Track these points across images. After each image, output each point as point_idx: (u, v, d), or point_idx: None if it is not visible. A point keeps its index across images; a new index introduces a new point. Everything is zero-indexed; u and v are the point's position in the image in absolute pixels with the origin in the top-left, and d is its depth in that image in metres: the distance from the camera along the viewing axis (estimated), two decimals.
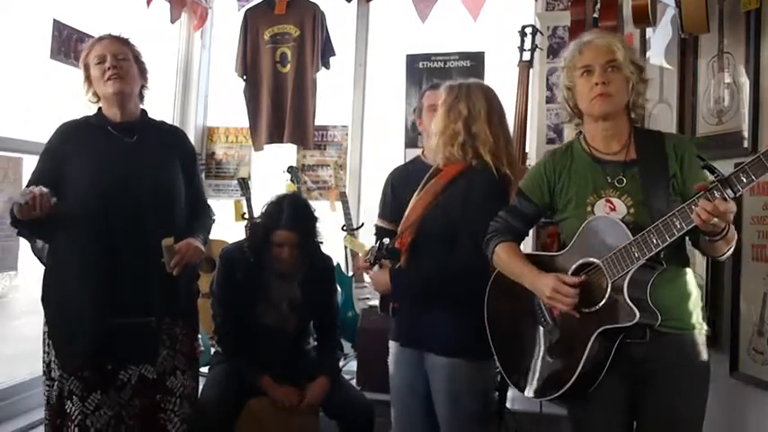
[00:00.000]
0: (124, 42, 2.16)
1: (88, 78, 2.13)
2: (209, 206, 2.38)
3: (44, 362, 2.08)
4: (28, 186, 2.00)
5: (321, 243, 2.67)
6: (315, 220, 2.61)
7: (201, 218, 2.29)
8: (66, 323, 2.02)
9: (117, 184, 2.05)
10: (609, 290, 1.64)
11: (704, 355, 1.74)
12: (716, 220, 1.46)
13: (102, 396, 2.02)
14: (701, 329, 1.74)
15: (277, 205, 2.56)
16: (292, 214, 2.52)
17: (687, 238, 1.76)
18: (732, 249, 1.66)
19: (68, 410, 2.01)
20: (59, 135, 2.12)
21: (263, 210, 2.62)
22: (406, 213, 2.15)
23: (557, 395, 1.71)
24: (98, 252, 2.01)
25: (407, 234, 2.09)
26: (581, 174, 1.79)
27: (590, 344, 1.65)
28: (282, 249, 2.51)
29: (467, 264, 2.01)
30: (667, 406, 1.69)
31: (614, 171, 1.74)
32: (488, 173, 2.07)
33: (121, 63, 2.10)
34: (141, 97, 2.21)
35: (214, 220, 2.38)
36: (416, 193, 2.18)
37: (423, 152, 2.52)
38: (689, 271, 1.77)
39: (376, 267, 2.17)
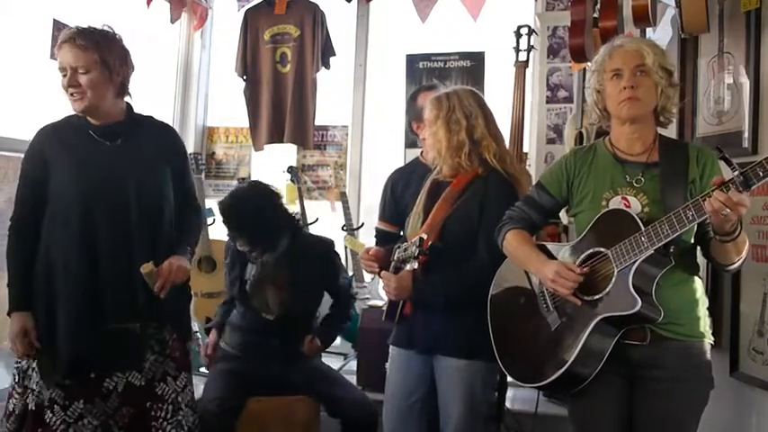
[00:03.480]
0: (84, 48, 1.91)
1: None
2: (199, 207, 2.32)
3: (21, 369, 2.00)
4: (19, 198, 2.02)
5: (270, 222, 2.60)
6: (253, 214, 2.54)
7: (189, 222, 2.20)
8: (50, 331, 1.95)
9: (99, 189, 1.97)
10: (614, 279, 1.66)
11: (709, 368, 1.74)
12: (728, 210, 1.47)
13: (86, 405, 1.94)
14: (703, 338, 1.74)
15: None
16: (230, 225, 2.57)
17: (699, 247, 1.77)
18: (742, 261, 1.67)
19: (48, 420, 1.93)
20: (38, 139, 2.03)
21: None
22: (427, 222, 2.12)
23: (552, 379, 1.72)
24: (81, 258, 1.95)
25: (432, 237, 2.08)
26: (601, 170, 1.82)
27: (588, 330, 1.67)
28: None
29: (485, 268, 2.03)
30: (663, 418, 1.70)
31: (634, 171, 1.77)
32: (498, 176, 2.12)
33: (81, 78, 1.92)
34: (123, 90, 2.04)
35: (214, 222, 2.35)
36: (419, 200, 2.19)
37: (422, 153, 2.52)
38: (698, 280, 1.78)
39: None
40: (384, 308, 2.28)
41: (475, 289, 2.03)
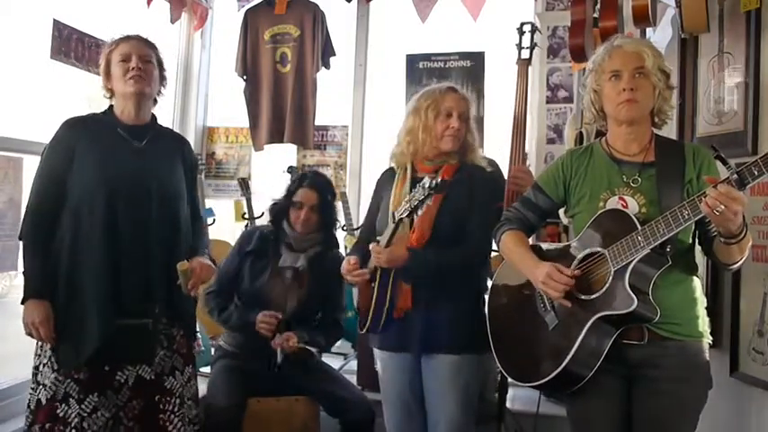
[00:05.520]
0: (151, 46, 2.17)
1: (108, 74, 2.12)
2: (201, 216, 2.39)
3: (34, 366, 2.06)
4: (39, 187, 2.05)
5: (336, 227, 2.78)
6: (334, 193, 2.76)
7: (200, 231, 2.31)
8: (73, 323, 2.00)
9: (124, 187, 2.04)
10: (610, 278, 1.67)
11: (707, 368, 1.74)
12: (722, 207, 1.47)
13: (100, 398, 2.01)
14: (701, 338, 1.75)
15: (301, 174, 2.78)
16: (315, 178, 2.71)
17: (698, 244, 1.78)
18: (744, 260, 1.67)
19: (61, 414, 1.98)
20: (67, 129, 2.09)
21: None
22: (419, 217, 2.14)
23: (550, 378, 1.72)
24: (102, 254, 2.01)
25: (425, 234, 2.11)
26: (597, 171, 1.83)
27: (585, 330, 1.67)
28: (301, 211, 2.61)
29: (478, 255, 2.11)
30: (662, 417, 1.70)
31: (630, 171, 1.78)
32: (480, 167, 2.23)
33: (146, 65, 2.10)
34: (154, 102, 2.22)
35: (214, 222, 2.38)
36: (398, 192, 2.21)
37: None
38: (696, 279, 1.78)
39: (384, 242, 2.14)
40: (368, 319, 2.23)
41: (467, 271, 2.09)
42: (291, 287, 2.63)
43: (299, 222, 2.61)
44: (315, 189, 2.64)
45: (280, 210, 2.69)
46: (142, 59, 2.10)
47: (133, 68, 2.07)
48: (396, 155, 2.31)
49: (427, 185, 2.00)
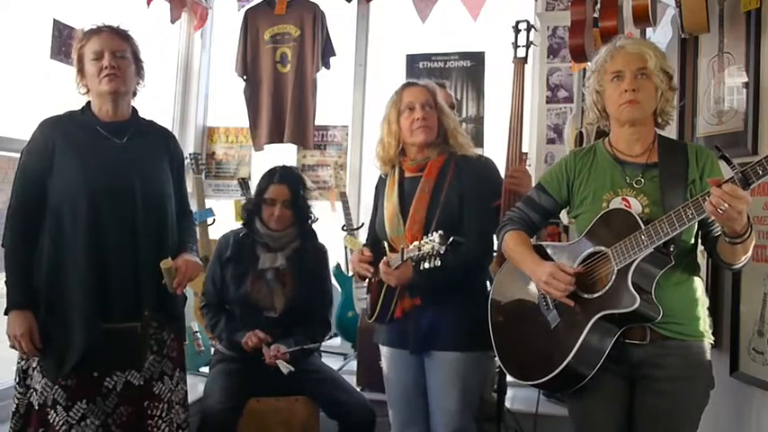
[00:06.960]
0: (124, 37, 2.05)
1: (81, 71, 2.04)
2: (191, 211, 2.34)
3: (21, 369, 2.01)
4: (19, 190, 1.99)
5: (311, 219, 2.74)
6: (305, 185, 2.71)
7: (189, 227, 2.24)
8: (57, 328, 1.94)
9: (107, 187, 1.98)
10: (613, 277, 1.67)
11: (709, 367, 1.75)
12: (726, 206, 1.47)
13: (89, 405, 1.94)
14: (702, 338, 1.75)
15: (270, 171, 2.70)
16: (284, 173, 2.66)
17: (701, 244, 1.78)
18: (747, 260, 1.67)
19: (52, 420, 1.93)
20: (43, 131, 2.02)
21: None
22: (410, 217, 2.15)
23: (552, 376, 1.72)
24: (87, 256, 1.94)
25: (416, 237, 2.09)
26: (600, 172, 1.83)
27: (587, 329, 1.68)
28: (274, 208, 2.58)
29: (476, 251, 2.11)
30: (663, 417, 1.70)
31: (634, 172, 1.78)
32: (467, 157, 2.22)
33: (119, 62, 2.00)
34: (135, 91, 2.13)
35: (214, 222, 2.34)
36: (391, 202, 2.21)
37: None
38: (698, 279, 1.78)
39: (396, 260, 2.12)
40: (374, 310, 2.26)
41: (469, 272, 2.09)
42: (275, 288, 2.61)
43: (273, 219, 2.59)
44: (285, 184, 2.61)
45: (251, 210, 2.66)
46: (115, 55, 2.00)
47: (106, 67, 1.97)
48: (379, 167, 2.34)
49: (437, 241, 1.89)
